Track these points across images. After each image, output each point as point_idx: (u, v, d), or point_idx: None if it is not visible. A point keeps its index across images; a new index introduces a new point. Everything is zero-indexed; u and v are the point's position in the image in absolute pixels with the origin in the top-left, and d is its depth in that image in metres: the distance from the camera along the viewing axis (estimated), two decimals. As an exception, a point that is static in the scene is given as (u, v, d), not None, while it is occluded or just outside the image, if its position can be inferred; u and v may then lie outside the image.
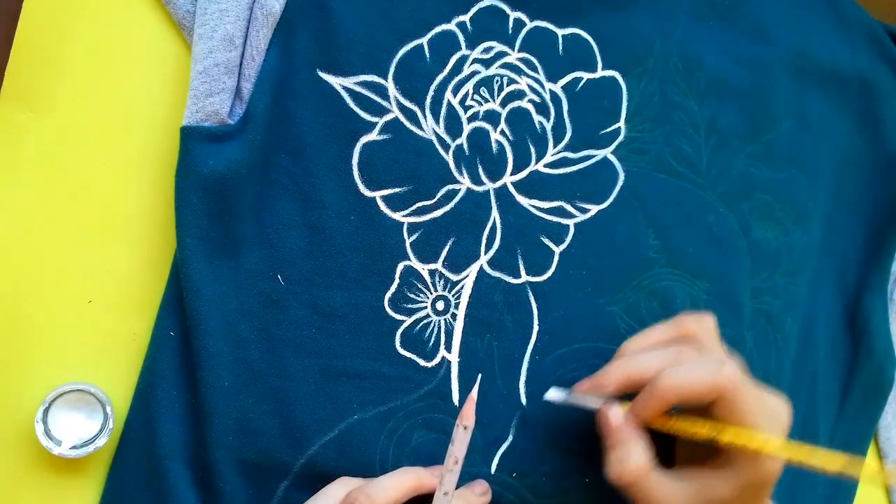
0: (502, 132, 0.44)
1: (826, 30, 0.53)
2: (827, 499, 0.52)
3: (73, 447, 0.39)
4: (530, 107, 0.45)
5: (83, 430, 0.40)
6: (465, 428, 0.31)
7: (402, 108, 0.43)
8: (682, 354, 0.37)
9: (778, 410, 0.37)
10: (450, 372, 0.42)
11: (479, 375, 0.42)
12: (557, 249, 0.44)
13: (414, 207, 0.43)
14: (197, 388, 0.40)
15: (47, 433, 0.39)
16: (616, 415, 0.37)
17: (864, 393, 0.53)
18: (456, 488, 0.41)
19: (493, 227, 0.43)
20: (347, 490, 0.37)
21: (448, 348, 0.42)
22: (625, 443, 0.37)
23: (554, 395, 0.41)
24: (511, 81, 0.44)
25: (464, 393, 0.42)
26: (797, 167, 0.51)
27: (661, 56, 0.47)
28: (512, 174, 0.44)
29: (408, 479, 0.39)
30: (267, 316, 0.41)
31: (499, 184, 0.44)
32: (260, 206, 0.41)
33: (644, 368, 0.37)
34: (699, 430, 0.36)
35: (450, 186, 0.43)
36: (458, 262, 0.43)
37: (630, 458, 0.36)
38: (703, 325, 0.40)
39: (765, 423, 0.35)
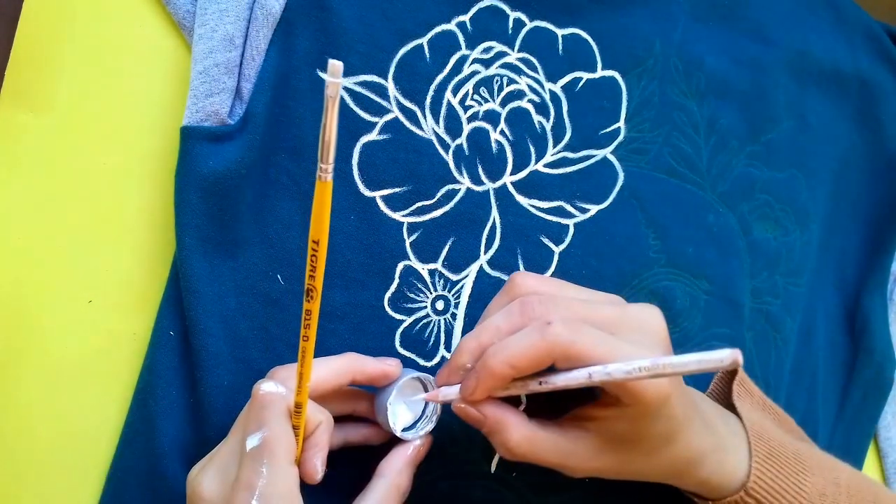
0: (502, 132, 0.44)
1: (826, 30, 0.53)
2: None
3: (405, 429, 0.39)
4: (530, 107, 0.45)
5: (410, 413, 0.39)
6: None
7: (402, 108, 0.43)
8: (509, 316, 0.34)
9: (644, 326, 0.34)
10: (450, 372, 0.42)
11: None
12: (557, 249, 0.44)
13: (414, 207, 0.43)
14: (196, 387, 0.40)
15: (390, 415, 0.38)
16: (471, 404, 0.35)
17: (863, 393, 0.53)
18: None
19: (493, 227, 0.43)
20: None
21: (448, 348, 0.42)
22: (499, 424, 0.34)
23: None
24: (511, 81, 0.44)
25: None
26: (797, 167, 0.51)
27: (660, 56, 0.48)
28: (512, 174, 0.44)
29: (341, 360, 0.37)
30: (267, 316, 0.41)
31: (498, 184, 0.44)
32: (260, 206, 0.41)
33: (484, 339, 0.35)
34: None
35: (449, 186, 0.43)
36: (457, 262, 0.43)
37: (511, 436, 0.34)
38: (529, 280, 0.37)
39: (622, 354, 0.32)
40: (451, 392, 0.36)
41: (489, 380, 0.34)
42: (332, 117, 0.24)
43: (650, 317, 0.35)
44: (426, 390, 0.39)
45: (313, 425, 0.34)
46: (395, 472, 0.37)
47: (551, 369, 0.33)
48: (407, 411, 0.39)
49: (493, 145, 0.44)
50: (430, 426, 0.39)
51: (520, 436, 0.34)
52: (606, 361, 0.32)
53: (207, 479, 0.33)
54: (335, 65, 0.24)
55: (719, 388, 0.44)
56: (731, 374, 0.43)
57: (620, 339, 0.33)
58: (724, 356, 0.28)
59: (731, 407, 0.41)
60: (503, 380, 0.34)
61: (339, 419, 0.39)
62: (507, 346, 0.33)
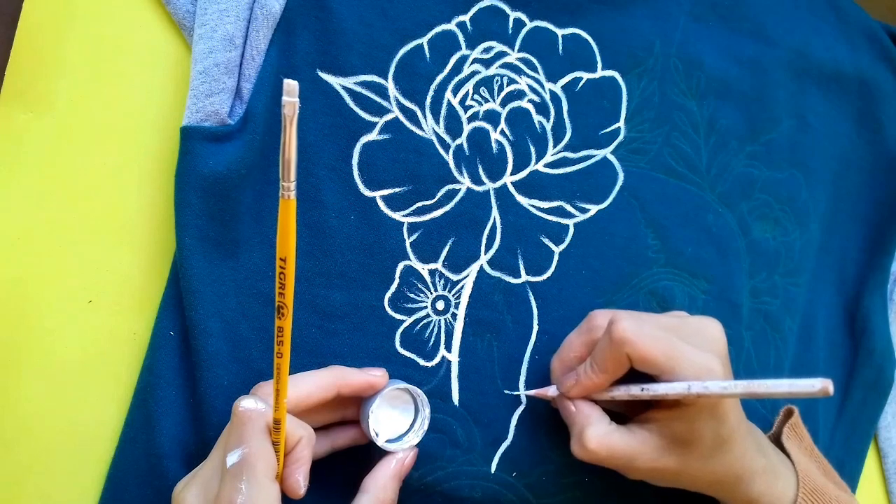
0: (502, 132, 0.44)
1: (826, 30, 0.53)
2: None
3: (391, 440, 0.40)
4: (530, 107, 0.45)
5: (397, 425, 0.41)
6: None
7: (402, 108, 0.43)
8: (579, 329, 0.40)
9: (703, 332, 0.38)
10: (450, 372, 0.42)
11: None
12: (557, 249, 0.44)
13: (414, 207, 0.43)
14: (196, 387, 0.40)
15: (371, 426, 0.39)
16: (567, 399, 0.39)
17: (864, 393, 0.53)
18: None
19: (493, 227, 0.43)
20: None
21: (448, 348, 0.42)
22: (587, 418, 0.38)
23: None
24: (511, 81, 0.44)
25: (464, 393, 0.42)
26: (797, 167, 0.51)
27: (660, 56, 0.48)
28: (512, 174, 0.44)
29: (326, 374, 0.38)
30: (267, 316, 0.41)
31: (499, 184, 0.44)
32: (260, 206, 0.41)
33: (563, 355, 0.41)
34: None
35: (450, 186, 0.43)
36: (458, 262, 0.43)
37: (592, 432, 0.37)
38: (605, 317, 0.40)
39: (680, 352, 0.36)
40: (550, 390, 0.41)
41: (585, 384, 0.38)
42: (291, 136, 0.25)
43: (709, 325, 0.38)
44: (413, 401, 0.40)
45: (294, 440, 0.35)
46: (379, 488, 0.38)
47: (653, 379, 0.37)
48: (395, 423, 0.40)
49: (494, 145, 0.44)
50: (416, 439, 0.40)
51: (600, 432, 0.37)
52: (667, 358, 0.35)
53: (191, 495, 0.33)
54: (290, 84, 0.24)
55: (774, 430, 0.46)
56: (787, 417, 0.46)
57: (680, 340, 0.36)
58: (814, 384, 0.31)
59: (780, 447, 0.44)
60: (598, 386, 0.38)
61: (327, 425, 0.40)
62: (593, 356, 0.38)
